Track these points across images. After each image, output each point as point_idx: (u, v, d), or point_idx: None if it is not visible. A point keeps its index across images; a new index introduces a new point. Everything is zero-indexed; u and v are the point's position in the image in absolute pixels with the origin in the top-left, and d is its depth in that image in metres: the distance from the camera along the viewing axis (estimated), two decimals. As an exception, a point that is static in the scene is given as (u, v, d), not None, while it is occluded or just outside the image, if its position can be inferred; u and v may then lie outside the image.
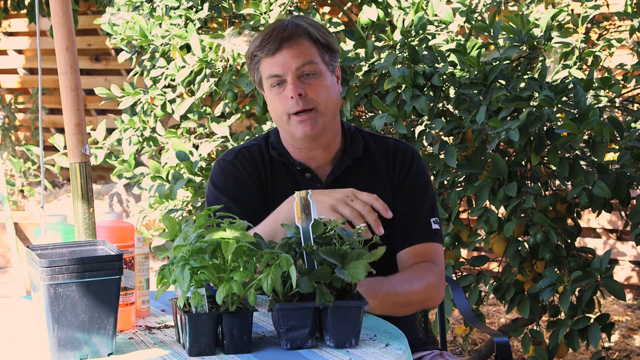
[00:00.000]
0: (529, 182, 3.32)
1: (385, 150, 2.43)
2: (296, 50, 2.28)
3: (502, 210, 3.30)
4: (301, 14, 3.80)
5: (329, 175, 2.38)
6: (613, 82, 3.22)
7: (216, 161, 2.44)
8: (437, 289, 2.36)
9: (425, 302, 2.39)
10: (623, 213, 3.52)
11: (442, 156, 3.20)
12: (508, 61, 3.34)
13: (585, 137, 3.12)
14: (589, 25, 3.87)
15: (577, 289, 3.16)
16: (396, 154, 2.43)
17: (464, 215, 3.98)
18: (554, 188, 3.44)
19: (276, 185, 2.37)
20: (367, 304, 1.93)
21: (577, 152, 3.23)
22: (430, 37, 3.49)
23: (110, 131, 4.25)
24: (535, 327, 3.49)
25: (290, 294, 1.90)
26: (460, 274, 3.51)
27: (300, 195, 1.97)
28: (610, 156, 3.21)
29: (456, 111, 3.28)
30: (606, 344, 4.44)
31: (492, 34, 3.27)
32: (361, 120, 3.68)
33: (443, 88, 3.28)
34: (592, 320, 3.14)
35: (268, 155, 2.41)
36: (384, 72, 3.33)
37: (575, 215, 3.36)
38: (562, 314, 3.26)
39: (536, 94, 3.11)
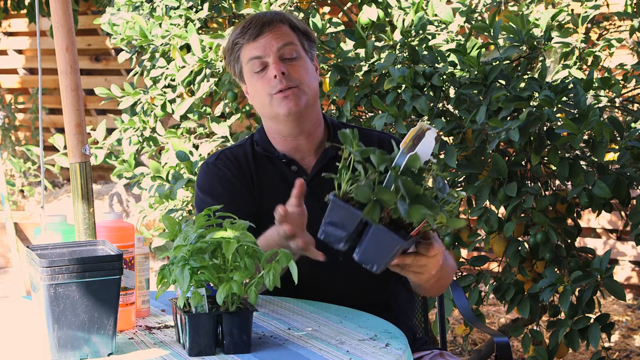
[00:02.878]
0: (529, 182, 3.32)
1: (370, 140, 2.45)
2: (277, 32, 2.34)
3: (502, 210, 3.30)
4: (301, 14, 3.80)
5: (314, 167, 2.40)
6: (613, 82, 3.22)
7: (200, 165, 2.46)
8: (454, 271, 2.36)
9: (447, 280, 2.36)
10: (623, 213, 3.52)
11: (442, 156, 3.20)
12: (508, 61, 3.34)
13: (585, 137, 3.12)
14: (589, 25, 3.88)
15: (577, 289, 3.16)
16: (382, 144, 2.44)
17: (464, 215, 3.97)
18: (554, 188, 3.43)
19: (262, 181, 2.39)
20: (407, 244, 1.91)
21: (577, 152, 3.23)
22: (430, 37, 3.49)
23: (110, 131, 4.25)
24: (535, 327, 3.49)
25: (350, 196, 1.89)
26: (460, 274, 3.51)
27: (422, 125, 1.94)
28: (610, 156, 3.21)
29: (456, 111, 3.28)
30: (606, 344, 4.44)
31: (492, 34, 3.27)
32: (361, 120, 3.68)
33: (443, 88, 3.28)
34: (592, 320, 3.14)
35: (252, 154, 2.43)
36: (384, 72, 3.33)
37: (575, 215, 3.36)
38: (562, 314, 3.26)
39: (536, 94, 3.11)
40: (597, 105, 3.18)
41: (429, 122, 3.28)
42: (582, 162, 3.16)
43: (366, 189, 1.85)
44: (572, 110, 3.04)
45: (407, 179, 1.85)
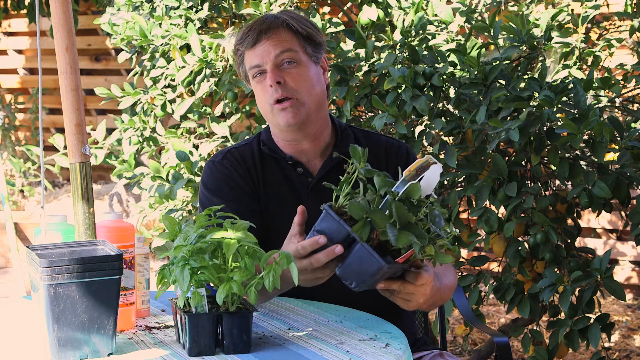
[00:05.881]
0: (529, 182, 3.32)
1: (377, 146, 2.44)
2: (275, 39, 2.32)
3: (502, 210, 3.30)
4: (301, 14, 3.80)
5: (320, 170, 2.39)
6: (613, 82, 3.22)
7: (206, 163, 2.46)
8: (454, 289, 2.36)
9: (443, 301, 2.36)
10: (623, 213, 3.52)
11: (442, 156, 3.20)
12: (508, 61, 3.33)
13: (585, 137, 3.12)
14: (589, 25, 3.87)
15: (577, 289, 3.16)
16: (389, 151, 2.44)
17: (464, 215, 3.98)
18: (554, 188, 3.43)
19: (268, 182, 2.39)
20: (392, 270, 1.92)
21: (577, 152, 3.22)
22: (430, 37, 3.49)
23: (110, 131, 4.25)
24: (535, 327, 3.49)
25: (344, 210, 1.92)
26: (460, 274, 3.51)
27: (428, 158, 1.96)
28: (610, 156, 3.21)
29: (456, 111, 3.28)
30: (606, 344, 4.44)
31: (492, 34, 3.27)
32: (361, 120, 3.68)
33: (443, 88, 3.28)
34: (592, 320, 3.14)
35: (259, 153, 2.42)
36: (384, 72, 3.33)
37: (575, 215, 3.36)
38: (562, 314, 3.26)
39: (536, 94, 3.11)
40: (597, 105, 3.18)
41: (428, 122, 3.28)
42: (582, 162, 3.16)
43: (360, 207, 1.86)
44: (572, 110, 3.04)
45: (401, 205, 1.88)
